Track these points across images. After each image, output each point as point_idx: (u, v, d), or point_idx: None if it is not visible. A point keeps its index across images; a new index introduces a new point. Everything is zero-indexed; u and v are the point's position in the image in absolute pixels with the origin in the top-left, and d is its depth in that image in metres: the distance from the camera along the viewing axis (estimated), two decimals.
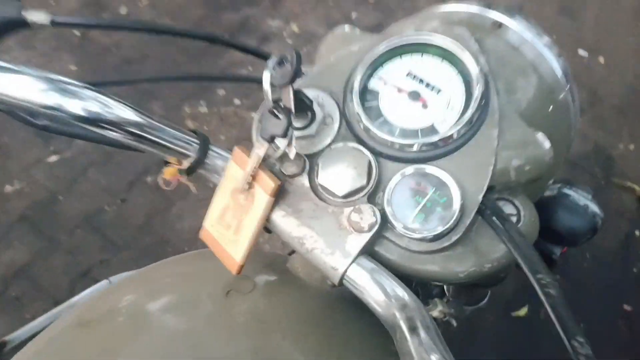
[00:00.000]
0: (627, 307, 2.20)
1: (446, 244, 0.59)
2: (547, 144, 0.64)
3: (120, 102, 0.59)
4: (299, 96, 0.60)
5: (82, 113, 0.56)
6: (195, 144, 0.63)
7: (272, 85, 0.57)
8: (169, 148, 0.61)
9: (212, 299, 0.68)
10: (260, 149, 0.59)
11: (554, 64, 0.76)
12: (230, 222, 0.63)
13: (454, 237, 0.59)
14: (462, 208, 0.59)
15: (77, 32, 2.51)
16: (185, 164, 0.62)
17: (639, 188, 2.46)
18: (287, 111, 0.57)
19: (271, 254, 0.78)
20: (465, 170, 0.61)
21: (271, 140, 0.59)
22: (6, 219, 2.04)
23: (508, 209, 0.66)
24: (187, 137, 0.63)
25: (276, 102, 0.59)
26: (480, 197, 0.60)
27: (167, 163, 0.63)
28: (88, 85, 0.57)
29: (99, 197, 2.19)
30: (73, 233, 2.04)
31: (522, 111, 0.71)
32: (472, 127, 0.62)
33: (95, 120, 0.57)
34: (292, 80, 0.56)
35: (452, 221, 0.58)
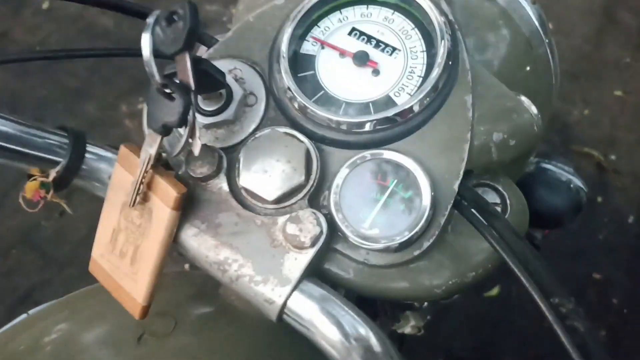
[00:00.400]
0: (596, 276, 2.16)
1: (416, 252, 0.44)
2: (533, 109, 0.50)
3: None
4: (202, 67, 0.43)
5: None
6: (64, 146, 0.45)
7: (158, 54, 0.40)
8: (26, 155, 0.44)
9: (121, 349, 0.51)
10: (151, 145, 0.42)
11: (529, 11, 0.62)
12: (124, 249, 0.46)
13: (426, 244, 0.44)
14: (434, 203, 0.44)
15: None
16: (51, 174, 0.44)
17: (597, 154, 2.42)
18: (182, 88, 0.40)
19: (197, 276, 0.61)
20: (433, 152, 0.46)
21: (165, 131, 0.42)
22: None
23: (490, 196, 0.51)
24: (52, 137, 0.45)
25: (168, 77, 0.42)
26: (456, 186, 0.45)
27: (30, 176, 0.45)
28: None
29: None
30: (8, 254, 1.84)
31: (496, 72, 0.56)
32: (439, 95, 0.47)
33: None
34: (187, 44, 0.39)
35: (422, 222, 0.43)
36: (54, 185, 0.45)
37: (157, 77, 0.40)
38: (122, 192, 0.45)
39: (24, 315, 0.84)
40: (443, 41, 0.48)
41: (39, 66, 2.17)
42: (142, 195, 0.44)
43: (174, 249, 0.46)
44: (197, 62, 0.42)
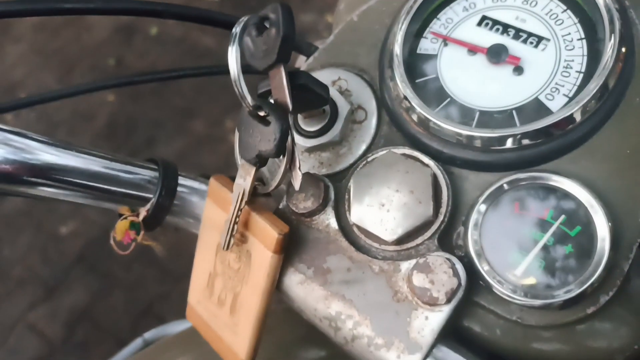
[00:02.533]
0: None
1: (591, 310, 0.33)
2: None
3: (42, 139, 0.37)
4: (301, 81, 0.36)
5: None
6: (153, 180, 0.40)
7: (249, 69, 0.33)
8: (114, 193, 0.39)
9: None
10: (244, 178, 0.35)
11: None
12: (223, 296, 0.40)
13: (604, 298, 0.33)
14: (614, 242, 0.32)
15: (111, 60, 2.42)
16: (141, 213, 0.39)
17: None
18: (278, 110, 0.33)
19: None
20: (606, 172, 0.34)
21: (260, 161, 0.35)
22: (64, 261, 2.00)
23: None
24: (142, 171, 0.40)
25: (262, 97, 0.35)
26: None
27: (121, 215, 0.41)
28: None
29: None
30: (130, 268, 1.96)
31: None
32: (610, 96, 0.35)
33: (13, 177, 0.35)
34: (282, 55, 0.32)
35: (599, 270, 0.31)
36: (145, 225, 0.40)
37: (249, 98, 0.33)
38: (215, 232, 0.39)
39: (139, 340, 0.85)
40: (612, 24, 0.36)
41: (151, 89, 2.29)
42: (238, 236, 0.37)
43: (277, 296, 0.39)
44: (294, 76, 0.35)
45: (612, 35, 0.35)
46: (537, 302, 0.32)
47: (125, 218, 0.40)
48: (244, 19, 0.33)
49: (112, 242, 0.41)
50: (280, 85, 0.34)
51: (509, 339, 0.35)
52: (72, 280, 1.99)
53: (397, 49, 0.40)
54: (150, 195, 0.40)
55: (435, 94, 0.40)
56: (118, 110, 2.17)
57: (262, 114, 0.34)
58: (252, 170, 0.35)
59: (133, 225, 0.39)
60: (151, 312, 1.91)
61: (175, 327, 0.80)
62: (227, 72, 0.34)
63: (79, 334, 1.85)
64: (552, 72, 0.37)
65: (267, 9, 0.33)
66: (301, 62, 0.51)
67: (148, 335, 0.87)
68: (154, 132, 2.06)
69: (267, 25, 0.33)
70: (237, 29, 0.33)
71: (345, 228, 0.37)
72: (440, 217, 0.35)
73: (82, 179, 0.37)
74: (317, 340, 0.51)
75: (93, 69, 2.44)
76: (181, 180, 0.41)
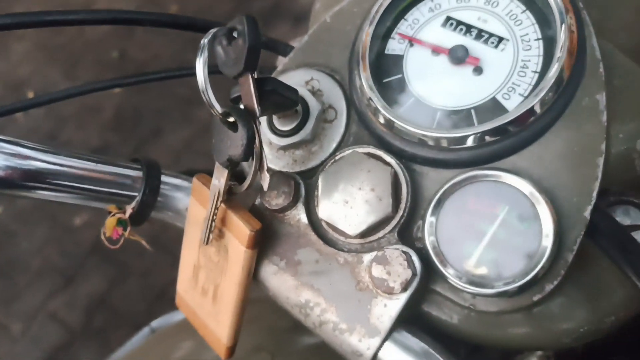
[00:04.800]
0: None
1: (537, 297, 0.35)
2: None
3: (33, 146, 0.40)
4: (269, 87, 0.38)
5: None
6: (138, 179, 0.44)
7: (219, 75, 0.36)
8: (100, 193, 0.42)
9: None
10: (219, 179, 0.38)
11: None
12: (206, 287, 0.43)
13: (549, 286, 0.35)
14: (559, 235, 0.34)
15: (115, 53, 2.45)
16: (127, 210, 0.42)
17: None
18: (246, 116, 0.36)
19: None
20: (556, 169, 0.36)
21: (231, 165, 0.37)
22: (79, 251, 2.06)
23: (632, 215, 0.40)
24: (126, 171, 0.43)
25: (234, 101, 0.38)
26: (587, 213, 0.35)
27: (110, 213, 0.44)
28: None
29: None
30: (143, 255, 2.01)
31: (625, 49, 0.44)
32: (562, 95, 0.37)
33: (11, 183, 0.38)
34: (248, 64, 0.35)
35: (543, 260, 0.34)
36: (132, 221, 0.43)
37: (217, 106, 0.36)
38: (198, 228, 0.42)
39: (146, 329, 0.89)
40: (564, 24, 0.37)
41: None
42: (217, 231, 0.40)
43: (255, 286, 0.42)
44: (263, 83, 0.37)
45: (565, 36, 0.37)
46: (485, 291, 0.34)
47: (113, 215, 0.43)
48: (213, 30, 0.36)
49: (102, 237, 0.44)
50: (249, 92, 0.36)
51: (465, 324, 0.37)
52: (89, 269, 2.05)
53: (365, 48, 0.42)
54: (136, 194, 0.44)
55: (400, 94, 0.42)
56: (124, 102, 2.20)
57: (231, 120, 0.37)
58: (225, 172, 0.37)
59: (120, 222, 0.43)
60: (165, 297, 1.97)
61: (181, 315, 0.83)
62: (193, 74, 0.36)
63: (97, 320, 1.91)
64: (510, 72, 0.39)
65: (234, 20, 0.36)
66: (281, 60, 0.53)
67: (155, 323, 0.91)
68: (161, 122, 2.09)
69: (235, 36, 0.36)
70: (205, 41, 0.35)
71: (315, 223, 0.40)
72: (400, 212, 0.38)
73: (71, 181, 0.40)
74: (303, 329, 0.55)
75: (97, 63, 2.47)
76: (164, 179, 0.44)
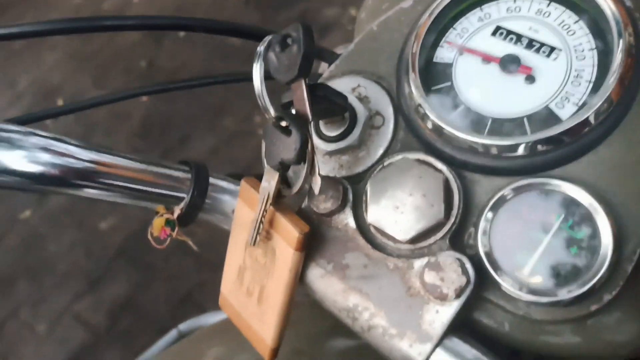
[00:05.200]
0: None
1: (594, 307, 0.35)
2: None
3: (80, 144, 0.41)
4: (320, 93, 0.39)
5: (28, 169, 0.38)
6: (187, 181, 0.44)
7: (270, 76, 0.36)
8: (150, 194, 0.43)
9: None
10: (269, 182, 0.38)
11: None
12: (251, 288, 0.43)
13: (608, 297, 0.34)
14: (618, 244, 0.34)
15: (143, 62, 2.50)
16: (175, 211, 0.43)
17: None
18: (299, 120, 0.36)
19: None
20: (613, 178, 0.36)
21: (283, 168, 0.38)
22: (106, 254, 2.09)
23: None
24: (175, 173, 0.44)
25: (285, 107, 0.39)
26: None
27: (157, 213, 0.45)
28: (31, 130, 0.39)
29: None
30: (168, 259, 2.04)
31: None
32: (618, 105, 0.37)
33: (50, 178, 0.39)
34: (302, 71, 0.35)
35: (602, 270, 0.33)
36: (179, 222, 0.44)
37: (271, 110, 0.36)
38: (245, 229, 0.43)
39: (174, 331, 0.89)
40: (620, 35, 0.37)
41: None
42: (264, 233, 0.41)
43: (301, 288, 0.42)
44: (314, 88, 0.38)
45: (620, 46, 0.37)
46: (542, 300, 0.34)
47: (162, 215, 0.44)
48: (268, 38, 0.36)
49: (149, 237, 0.45)
50: (301, 98, 0.37)
51: (516, 332, 0.37)
52: (114, 273, 2.08)
53: (414, 57, 0.43)
54: (184, 195, 0.44)
55: (449, 102, 0.42)
56: (152, 110, 2.24)
57: (284, 124, 0.37)
58: (276, 175, 0.38)
59: (168, 222, 0.43)
60: (190, 301, 1.98)
61: (208, 319, 0.84)
62: (249, 79, 0.37)
63: (122, 323, 1.93)
64: (563, 82, 0.39)
65: (289, 28, 0.36)
66: (324, 68, 0.54)
67: (183, 326, 0.92)
68: (187, 130, 2.12)
69: (289, 43, 0.36)
70: (261, 48, 0.36)
71: (363, 227, 0.40)
72: (452, 219, 0.38)
73: (122, 181, 0.41)
74: (344, 331, 0.54)
75: (126, 72, 2.53)
76: (212, 181, 0.45)
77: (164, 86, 0.49)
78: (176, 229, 0.43)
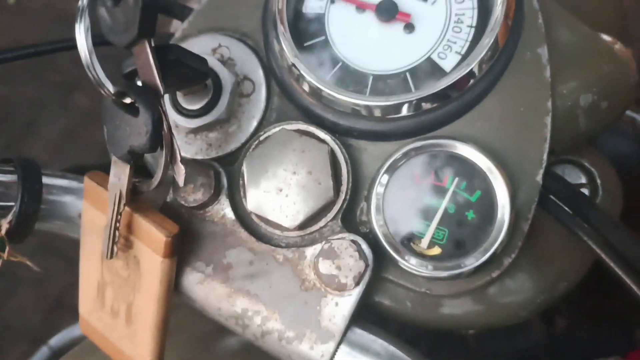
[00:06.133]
0: None
1: (495, 274, 0.33)
2: (627, 54, 0.37)
3: None
4: (172, 57, 0.31)
5: None
6: (12, 185, 0.34)
7: (103, 41, 0.28)
8: None
9: None
10: (119, 177, 0.30)
11: None
12: (115, 307, 0.36)
13: (508, 260, 0.33)
14: (515, 204, 0.32)
15: None
16: (2, 227, 0.33)
17: None
18: (147, 94, 0.28)
19: None
20: (503, 133, 0.33)
21: (134, 157, 0.30)
22: None
23: (573, 175, 0.39)
24: None
25: (128, 77, 0.30)
26: (539, 177, 0.33)
27: None
28: None
29: None
30: (32, 262, 1.80)
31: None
32: (503, 52, 0.34)
33: None
34: (144, 28, 0.27)
35: (502, 234, 0.31)
36: (10, 238, 0.34)
37: (108, 84, 0.28)
38: (97, 237, 0.34)
39: (44, 349, 0.77)
40: None
41: (24, 68, 2.03)
42: (123, 241, 0.33)
43: (177, 297, 0.35)
44: (164, 51, 0.30)
45: None
46: (444, 274, 0.31)
47: None
48: None
49: None
50: (147, 65, 0.29)
51: (420, 310, 0.34)
52: None
53: (280, 7, 0.36)
54: (11, 203, 0.34)
55: (325, 59, 0.36)
56: None
57: (127, 101, 0.29)
58: (127, 168, 0.30)
59: None
60: (63, 304, 1.80)
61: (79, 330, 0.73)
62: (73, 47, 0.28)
63: None
64: (444, 28, 0.35)
65: None
66: (176, 27, 0.45)
67: (54, 341, 0.80)
68: (34, 113, 1.85)
69: None
70: (84, 1, 0.27)
71: (243, 217, 0.34)
72: (342, 196, 0.33)
73: None
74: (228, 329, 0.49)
75: None
76: (46, 180, 0.36)
77: None
78: (6, 248, 0.33)
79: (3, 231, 0.34)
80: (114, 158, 0.31)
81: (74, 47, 0.31)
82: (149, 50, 0.29)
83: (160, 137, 0.29)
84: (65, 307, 1.74)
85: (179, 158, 0.30)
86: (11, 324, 1.78)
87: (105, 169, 0.34)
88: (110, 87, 0.28)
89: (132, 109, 0.29)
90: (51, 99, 1.87)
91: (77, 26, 0.27)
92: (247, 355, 0.48)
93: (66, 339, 0.75)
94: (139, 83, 0.30)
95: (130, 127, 0.29)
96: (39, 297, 1.79)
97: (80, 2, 0.27)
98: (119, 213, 0.31)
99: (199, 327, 0.48)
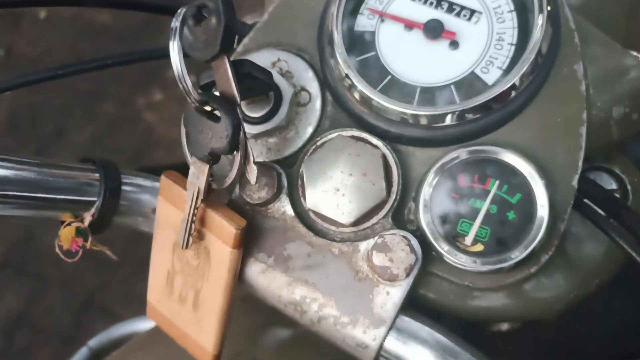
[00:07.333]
0: None
1: (534, 269, 0.36)
2: None
3: None
4: (244, 70, 0.35)
5: None
6: (95, 182, 0.38)
7: (187, 58, 0.32)
8: (53, 202, 0.37)
9: None
10: (198, 177, 0.34)
11: None
12: (184, 294, 0.39)
13: (545, 257, 0.36)
14: (552, 206, 0.35)
15: (0, 51, 2.17)
16: (86, 219, 0.37)
17: None
18: (227, 104, 0.32)
19: None
20: (542, 141, 0.37)
21: (213, 159, 0.34)
22: None
23: (604, 181, 0.42)
24: (80, 173, 0.38)
25: (205, 89, 0.34)
26: (575, 182, 0.36)
27: (63, 222, 0.39)
28: None
29: None
30: (60, 264, 1.84)
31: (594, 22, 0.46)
32: (542, 67, 0.37)
33: None
34: (224, 46, 0.31)
35: (541, 233, 0.34)
36: (92, 229, 0.38)
37: (194, 94, 0.32)
38: (170, 230, 0.38)
39: (84, 349, 0.80)
40: None
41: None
42: (195, 233, 0.37)
43: (240, 287, 0.39)
44: (238, 65, 0.34)
45: (540, 6, 0.37)
46: (486, 268, 0.34)
47: (70, 225, 0.38)
48: (182, 10, 0.31)
49: (57, 251, 0.39)
50: (226, 77, 0.33)
51: (462, 302, 0.37)
52: (1, 287, 1.87)
53: (336, 26, 0.40)
54: (94, 199, 0.38)
55: (376, 72, 0.40)
56: (17, 103, 1.97)
57: (208, 108, 0.33)
58: (206, 168, 0.34)
59: (79, 232, 0.37)
60: (93, 304, 1.83)
61: (119, 330, 0.76)
62: (165, 56, 0.32)
63: (19, 340, 1.75)
64: (486, 45, 0.39)
65: None
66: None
67: (93, 342, 0.83)
68: (62, 121, 1.90)
69: (206, 15, 0.32)
70: (176, 23, 0.31)
71: (302, 214, 0.38)
72: (393, 196, 0.36)
73: (16, 190, 0.35)
74: (280, 323, 0.52)
75: None
76: (124, 179, 0.40)
77: (56, 72, 0.42)
78: (89, 238, 0.38)
79: (86, 223, 0.38)
80: (193, 158, 0.35)
81: (159, 57, 0.35)
82: (227, 64, 0.32)
83: (237, 140, 0.33)
84: (95, 306, 1.77)
85: (252, 159, 0.34)
86: (41, 325, 1.81)
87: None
88: (196, 96, 0.32)
89: (212, 116, 0.33)
90: (78, 107, 1.93)
91: (171, 44, 0.31)
92: (290, 349, 0.51)
93: (105, 340, 0.78)
94: (217, 93, 0.34)
95: (211, 131, 0.33)
96: (68, 298, 1.82)
97: (172, 24, 0.31)
98: (196, 208, 0.35)
99: (247, 321, 0.51)
